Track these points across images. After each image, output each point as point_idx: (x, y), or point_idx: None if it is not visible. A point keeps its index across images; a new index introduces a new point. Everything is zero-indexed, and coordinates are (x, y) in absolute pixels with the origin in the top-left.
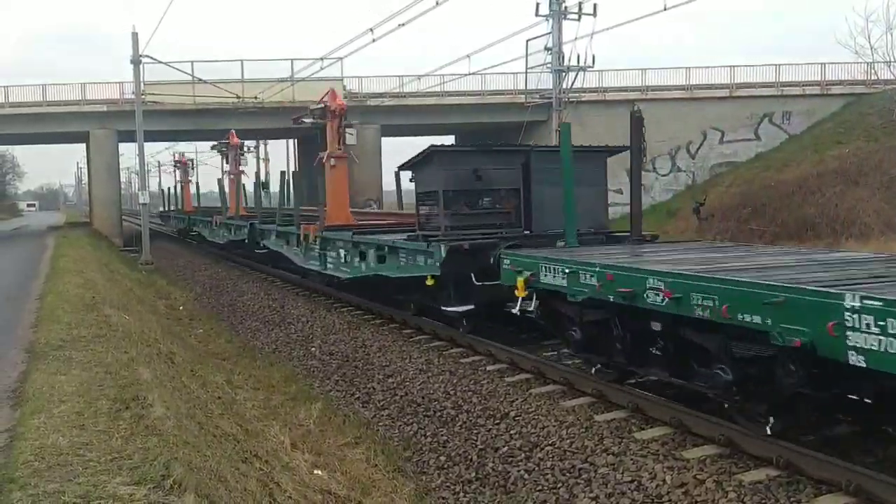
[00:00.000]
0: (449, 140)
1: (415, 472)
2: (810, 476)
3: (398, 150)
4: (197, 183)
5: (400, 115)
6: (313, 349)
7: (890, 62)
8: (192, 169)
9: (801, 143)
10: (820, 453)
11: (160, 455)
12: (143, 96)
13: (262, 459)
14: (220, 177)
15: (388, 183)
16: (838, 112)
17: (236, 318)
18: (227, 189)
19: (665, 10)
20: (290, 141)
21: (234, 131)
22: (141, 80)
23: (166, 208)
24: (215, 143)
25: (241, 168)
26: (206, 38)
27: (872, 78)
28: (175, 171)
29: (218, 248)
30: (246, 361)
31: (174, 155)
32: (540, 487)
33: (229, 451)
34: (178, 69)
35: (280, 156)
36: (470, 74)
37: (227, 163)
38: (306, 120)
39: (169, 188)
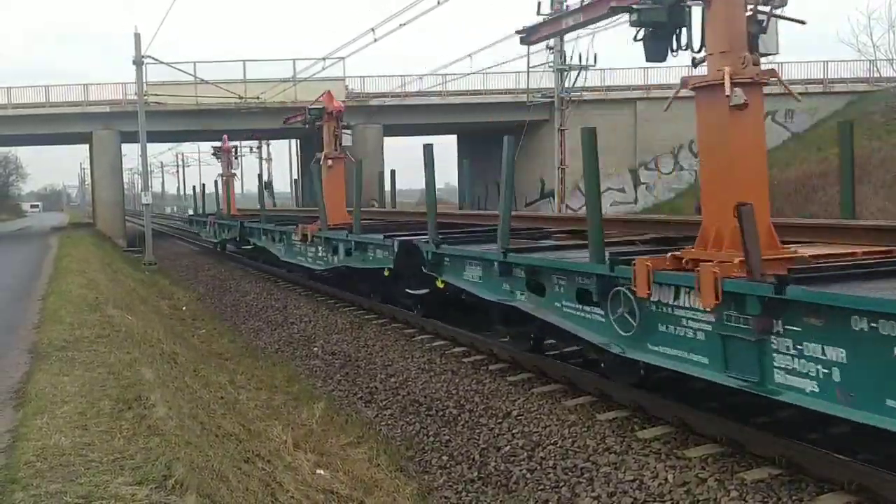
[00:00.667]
0: (451, 140)
1: (417, 471)
2: (812, 474)
3: (399, 150)
4: (260, 176)
5: (402, 115)
6: (316, 349)
7: (892, 60)
8: (237, 158)
9: (803, 142)
10: (822, 451)
11: (162, 455)
12: (145, 97)
13: (264, 459)
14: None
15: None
16: (841, 110)
17: (239, 318)
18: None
19: None
20: (292, 141)
21: (331, 91)
22: (143, 80)
23: (200, 210)
24: (292, 116)
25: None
26: (208, 38)
27: (875, 76)
28: (171, 168)
29: (298, 274)
30: (248, 361)
31: (177, 155)
32: (542, 487)
33: (231, 451)
34: (180, 70)
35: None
36: (472, 74)
37: (322, 139)
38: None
39: (204, 185)
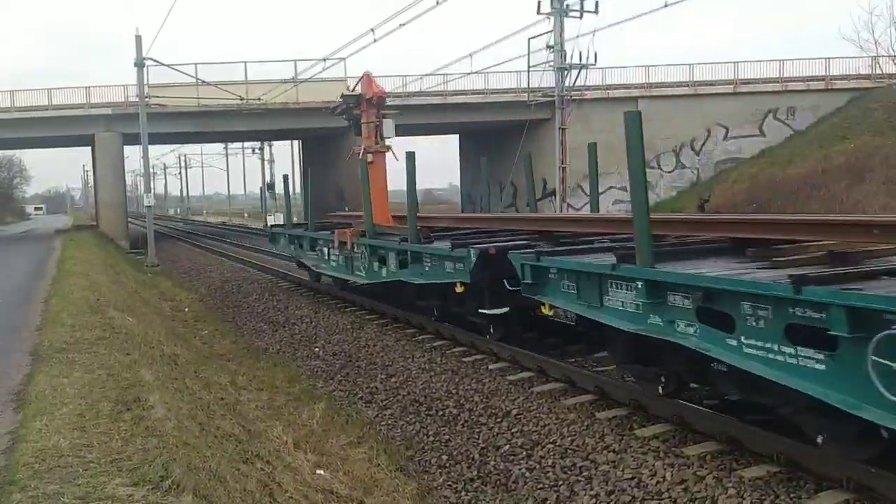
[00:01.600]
0: (453, 140)
1: (417, 471)
2: (811, 472)
3: (397, 149)
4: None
5: (404, 115)
6: (317, 349)
7: (894, 56)
8: (390, 116)
9: (805, 139)
10: (821, 449)
11: (159, 456)
12: (147, 99)
13: (263, 460)
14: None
15: (394, 182)
16: (843, 107)
17: (241, 319)
18: None
19: (666, 6)
20: (294, 142)
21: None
22: (145, 82)
23: (301, 217)
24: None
25: None
26: (209, 39)
27: (877, 72)
28: (174, 169)
29: None
30: (250, 362)
31: (179, 156)
32: (541, 485)
33: (230, 452)
34: (181, 71)
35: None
36: (473, 73)
37: None
38: None
39: (303, 173)
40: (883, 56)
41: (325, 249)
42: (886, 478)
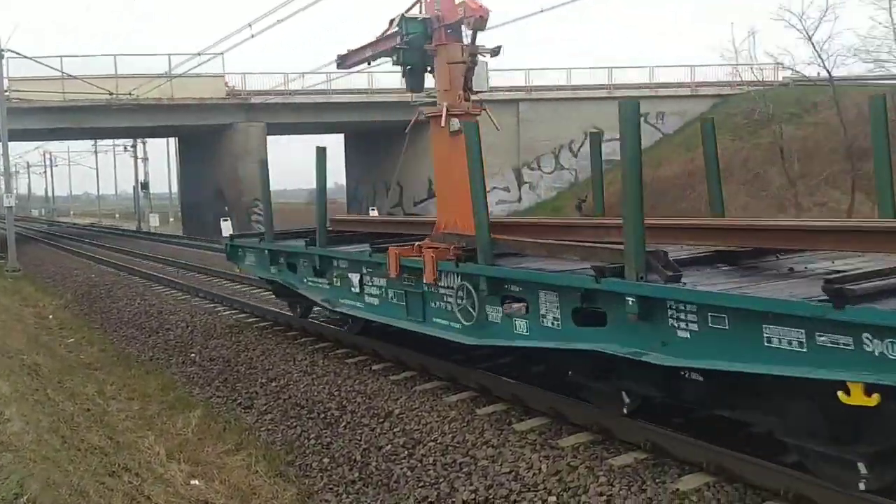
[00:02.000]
0: (338, 139)
1: (297, 475)
2: (675, 457)
3: (286, 148)
4: None
5: (286, 113)
6: (193, 355)
7: (752, 64)
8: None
9: (673, 143)
10: (684, 436)
11: (14, 472)
12: (7, 92)
13: (132, 472)
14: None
15: (275, 182)
16: (707, 112)
17: (111, 325)
18: None
19: (542, 11)
20: (170, 140)
21: None
22: (4, 75)
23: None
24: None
25: None
26: (81, 34)
27: (737, 79)
28: (38, 168)
29: None
30: (120, 370)
31: (44, 154)
32: (422, 483)
33: (94, 465)
34: (45, 64)
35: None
36: (357, 72)
37: None
38: None
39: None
40: (742, 64)
41: (355, 277)
42: (743, 460)
